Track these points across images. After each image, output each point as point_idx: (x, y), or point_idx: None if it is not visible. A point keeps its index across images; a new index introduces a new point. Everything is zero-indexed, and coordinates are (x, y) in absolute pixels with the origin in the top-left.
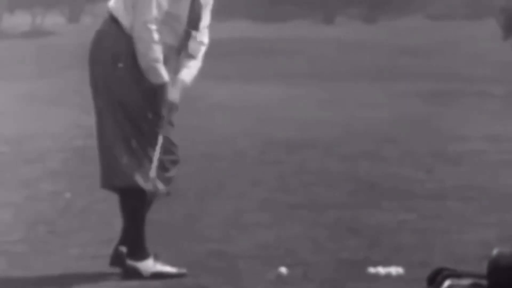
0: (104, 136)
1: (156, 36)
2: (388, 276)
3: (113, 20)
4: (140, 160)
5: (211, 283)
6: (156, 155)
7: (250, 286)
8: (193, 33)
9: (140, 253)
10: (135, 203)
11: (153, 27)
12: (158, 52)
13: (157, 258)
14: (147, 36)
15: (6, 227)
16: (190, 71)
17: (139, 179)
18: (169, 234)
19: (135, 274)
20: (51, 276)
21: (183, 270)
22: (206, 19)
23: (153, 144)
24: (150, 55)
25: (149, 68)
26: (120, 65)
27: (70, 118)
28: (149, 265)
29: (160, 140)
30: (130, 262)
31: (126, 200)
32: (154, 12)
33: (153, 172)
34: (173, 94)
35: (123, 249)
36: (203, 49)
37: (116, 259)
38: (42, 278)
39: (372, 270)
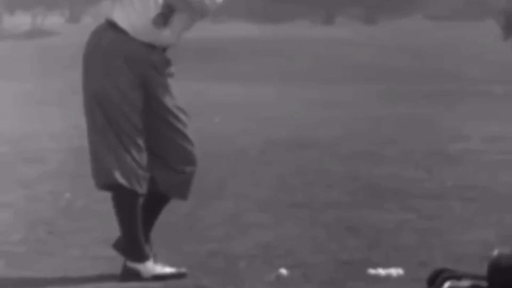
0: (92, 135)
1: None
2: (388, 277)
3: (110, 25)
4: (124, 158)
5: (211, 283)
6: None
7: (250, 287)
8: None
9: (139, 255)
10: (121, 203)
11: None
12: None
13: (156, 258)
14: None
15: (5, 227)
16: None
17: (119, 177)
18: (169, 234)
19: (135, 276)
20: (51, 277)
21: (183, 270)
22: None
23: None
24: None
25: None
26: (116, 65)
27: (69, 118)
28: (149, 267)
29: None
30: (130, 264)
31: (113, 199)
32: None
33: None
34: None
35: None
36: None
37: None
38: (41, 279)
39: (372, 271)
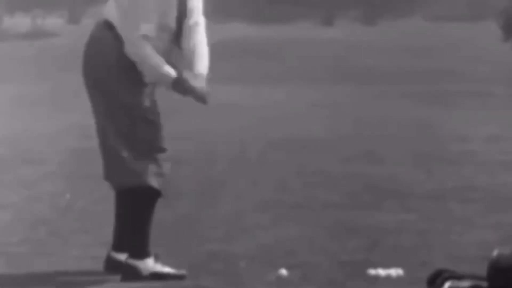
0: (117, 139)
1: (148, 46)
2: (388, 277)
3: (108, 26)
4: (145, 160)
5: (211, 284)
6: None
7: (250, 287)
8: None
9: (142, 252)
10: (143, 202)
11: (147, 44)
12: (155, 57)
13: (157, 258)
14: (140, 50)
15: (6, 228)
16: (200, 60)
17: (151, 179)
18: (169, 235)
19: (134, 273)
20: (51, 277)
21: (183, 272)
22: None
23: (155, 145)
24: (150, 63)
25: (155, 76)
26: (118, 69)
27: (69, 119)
28: (149, 264)
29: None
30: (129, 261)
31: (132, 199)
32: (150, 25)
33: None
34: (197, 83)
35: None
36: (201, 29)
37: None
38: (42, 279)
39: (372, 271)
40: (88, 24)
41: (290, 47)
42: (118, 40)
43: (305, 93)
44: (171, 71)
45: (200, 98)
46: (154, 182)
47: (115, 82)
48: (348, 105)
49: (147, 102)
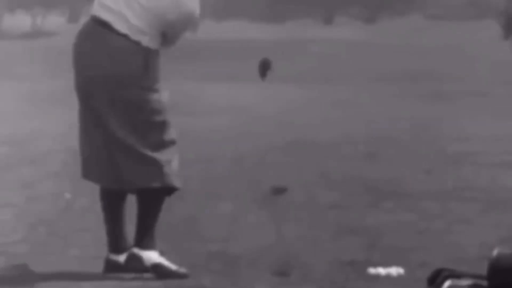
0: (132, 138)
1: None
2: (388, 276)
3: (99, 23)
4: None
5: (211, 283)
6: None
7: (250, 287)
8: None
9: (149, 242)
10: (161, 200)
11: None
12: None
13: (162, 254)
14: None
15: (6, 227)
16: None
17: (174, 179)
18: (170, 235)
19: (137, 262)
20: (51, 277)
21: (184, 270)
22: None
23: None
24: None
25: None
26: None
27: (70, 118)
28: (153, 256)
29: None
30: (135, 250)
31: (159, 198)
32: None
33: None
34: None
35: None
36: None
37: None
38: (42, 279)
39: (372, 270)
40: None
41: (290, 46)
42: (115, 34)
43: (304, 93)
44: None
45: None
46: (177, 182)
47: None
48: (348, 104)
49: (154, 101)
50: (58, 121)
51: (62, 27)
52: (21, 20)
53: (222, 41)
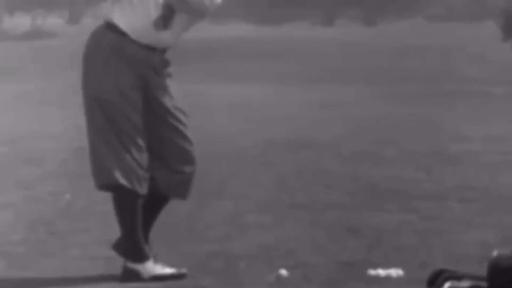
0: (92, 135)
1: None
2: (388, 277)
3: (109, 26)
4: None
5: (211, 284)
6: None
7: (250, 287)
8: None
9: (140, 255)
10: (122, 203)
11: None
12: None
13: (156, 259)
14: None
15: (5, 228)
16: None
17: (120, 177)
18: (169, 234)
19: (135, 277)
20: (51, 277)
21: (183, 270)
22: None
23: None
24: None
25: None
26: (116, 66)
27: (69, 118)
28: (150, 267)
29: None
30: (130, 265)
31: (114, 200)
32: None
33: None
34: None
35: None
36: None
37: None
38: (42, 279)
39: (372, 271)
40: (88, 24)
41: (290, 48)
42: (118, 34)
43: (305, 93)
44: None
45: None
46: (124, 180)
47: (94, 74)
48: (348, 104)
49: (129, 96)
50: (57, 121)
51: (62, 29)
52: (21, 21)
53: (222, 41)
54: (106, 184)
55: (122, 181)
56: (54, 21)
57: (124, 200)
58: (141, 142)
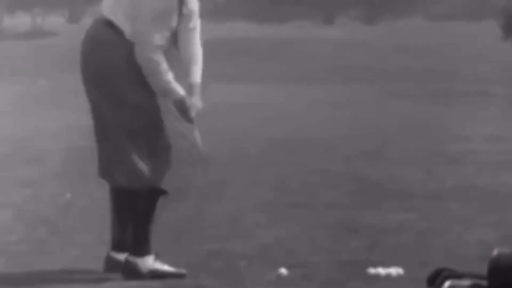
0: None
1: (162, 58)
2: (388, 276)
3: (108, 25)
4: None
5: (211, 283)
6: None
7: (250, 287)
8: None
9: (143, 250)
10: (150, 202)
11: (160, 55)
12: (168, 73)
13: (158, 257)
14: (154, 63)
15: (6, 227)
16: (197, 68)
17: (156, 181)
18: (169, 234)
19: (134, 271)
20: (51, 277)
21: (183, 271)
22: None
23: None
24: (162, 79)
25: (163, 91)
26: (122, 74)
27: (70, 118)
28: (149, 262)
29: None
30: (130, 258)
31: (137, 198)
32: (165, 35)
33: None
34: (196, 100)
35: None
36: (197, 34)
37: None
38: (42, 279)
39: (372, 270)
40: (88, 23)
41: (290, 47)
42: (123, 40)
43: (305, 93)
44: (179, 90)
45: (188, 120)
46: (160, 183)
47: (123, 82)
48: (348, 104)
49: (153, 102)
50: (57, 121)
51: (62, 28)
52: (21, 20)
53: (222, 41)
54: (143, 187)
55: (158, 184)
56: (54, 20)
57: (152, 200)
58: (166, 141)
